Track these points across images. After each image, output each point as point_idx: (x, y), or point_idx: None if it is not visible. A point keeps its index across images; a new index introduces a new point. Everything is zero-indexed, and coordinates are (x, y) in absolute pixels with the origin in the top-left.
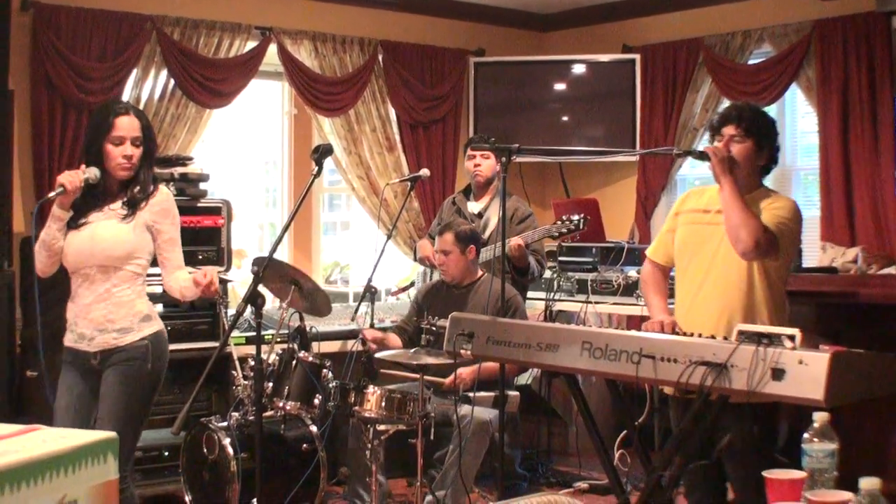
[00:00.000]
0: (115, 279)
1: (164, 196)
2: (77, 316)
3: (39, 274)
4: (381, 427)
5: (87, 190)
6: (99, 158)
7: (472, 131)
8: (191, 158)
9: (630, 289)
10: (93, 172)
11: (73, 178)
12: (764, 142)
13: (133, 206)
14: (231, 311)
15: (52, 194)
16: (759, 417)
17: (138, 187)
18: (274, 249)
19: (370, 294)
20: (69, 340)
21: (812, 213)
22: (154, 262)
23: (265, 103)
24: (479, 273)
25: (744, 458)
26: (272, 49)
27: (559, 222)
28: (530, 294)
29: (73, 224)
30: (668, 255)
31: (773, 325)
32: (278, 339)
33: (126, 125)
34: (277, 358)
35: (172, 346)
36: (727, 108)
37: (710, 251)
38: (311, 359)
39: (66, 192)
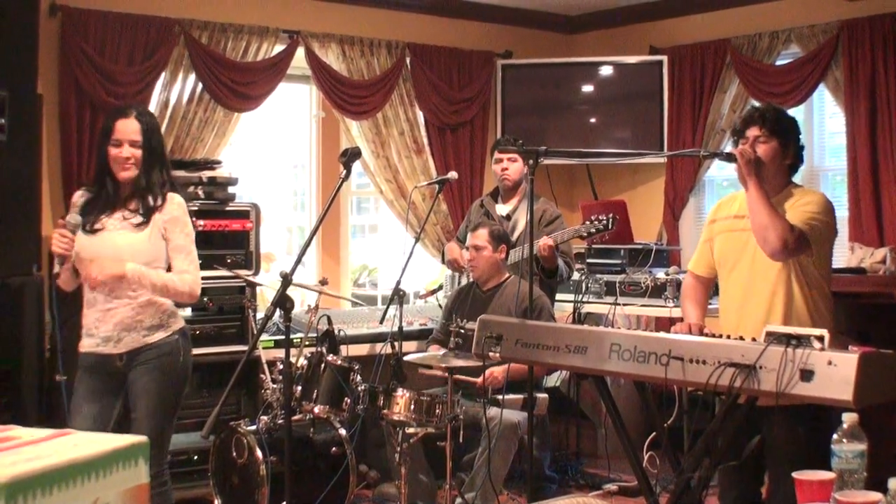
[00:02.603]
0: (134, 285)
1: (176, 205)
2: (99, 321)
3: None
4: (411, 430)
5: (96, 195)
6: (103, 161)
7: (500, 133)
8: (219, 162)
9: (658, 290)
10: (71, 221)
11: (64, 245)
12: (788, 141)
13: (147, 214)
14: (260, 315)
15: (56, 270)
16: (805, 418)
17: (150, 194)
18: (303, 253)
19: (398, 297)
20: (88, 346)
21: (840, 214)
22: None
23: (293, 107)
24: (506, 275)
25: (788, 459)
26: (300, 52)
27: (588, 222)
28: (559, 296)
29: (86, 228)
30: (710, 267)
31: (815, 326)
32: (307, 343)
33: (123, 127)
34: (306, 361)
35: (201, 351)
36: (749, 110)
37: (749, 258)
38: (339, 362)
39: (68, 256)
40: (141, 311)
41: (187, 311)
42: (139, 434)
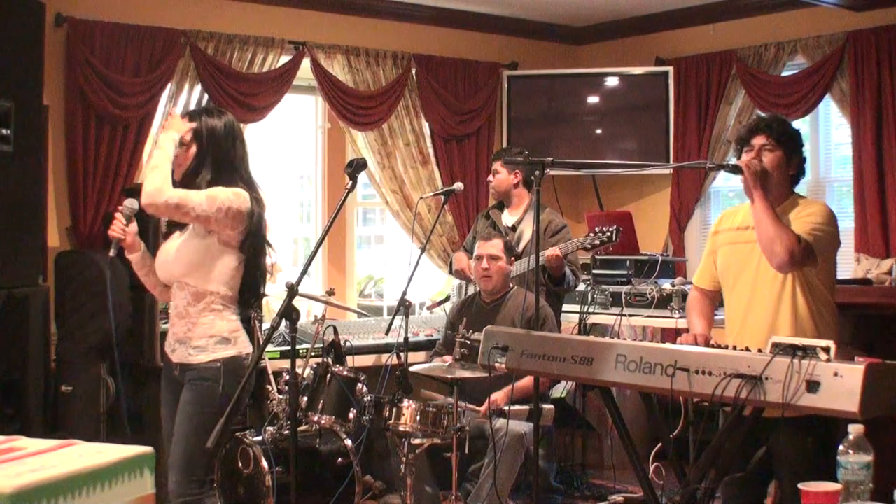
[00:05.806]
0: (188, 296)
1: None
2: (171, 325)
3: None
4: (416, 441)
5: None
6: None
7: (506, 144)
8: None
9: (664, 301)
10: (128, 206)
11: (118, 228)
12: (793, 151)
13: None
14: (266, 326)
15: (112, 252)
16: (814, 429)
17: None
18: (308, 264)
19: (404, 308)
20: (165, 348)
21: (846, 225)
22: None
23: (299, 118)
24: (510, 286)
25: (795, 470)
26: (305, 63)
27: (592, 234)
28: (564, 307)
29: (165, 236)
30: (714, 279)
31: (821, 337)
32: (313, 354)
33: None
34: (312, 372)
35: None
36: (755, 119)
37: (753, 270)
38: (345, 373)
39: (122, 241)
40: (191, 329)
41: None
42: (173, 453)
